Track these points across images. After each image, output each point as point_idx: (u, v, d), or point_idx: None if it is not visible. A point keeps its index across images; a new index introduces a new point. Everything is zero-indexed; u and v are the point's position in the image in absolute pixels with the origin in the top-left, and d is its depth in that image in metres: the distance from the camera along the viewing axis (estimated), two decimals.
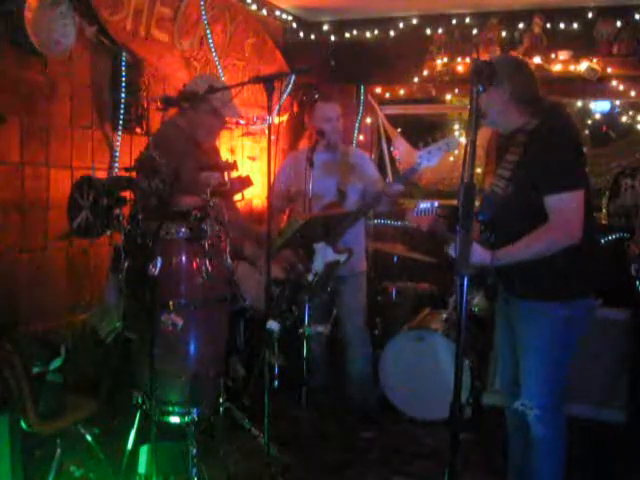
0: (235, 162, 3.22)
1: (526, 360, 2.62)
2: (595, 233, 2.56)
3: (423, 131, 6.15)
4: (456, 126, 6.15)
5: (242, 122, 4.86)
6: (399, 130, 5.85)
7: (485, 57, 5.02)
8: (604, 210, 4.82)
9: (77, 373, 3.28)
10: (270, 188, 2.89)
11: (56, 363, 2.77)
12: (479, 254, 2.42)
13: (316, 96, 5.26)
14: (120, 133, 3.77)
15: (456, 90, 5.41)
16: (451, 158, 5.16)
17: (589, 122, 5.70)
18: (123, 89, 3.71)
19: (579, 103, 5.43)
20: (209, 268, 2.83)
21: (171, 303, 2.77)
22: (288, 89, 5.24)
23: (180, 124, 3.31)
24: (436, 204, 2.85)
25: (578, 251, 2.44)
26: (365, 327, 4.10)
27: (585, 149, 5.63)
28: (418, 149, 5.66)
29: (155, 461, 2.69)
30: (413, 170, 3.54)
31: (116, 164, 3.77)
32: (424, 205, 2.86)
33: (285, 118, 5.50)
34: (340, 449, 3.63)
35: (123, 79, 3.71)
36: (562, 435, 2.62)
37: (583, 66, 4.93)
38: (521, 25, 5.12)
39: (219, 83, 3.54)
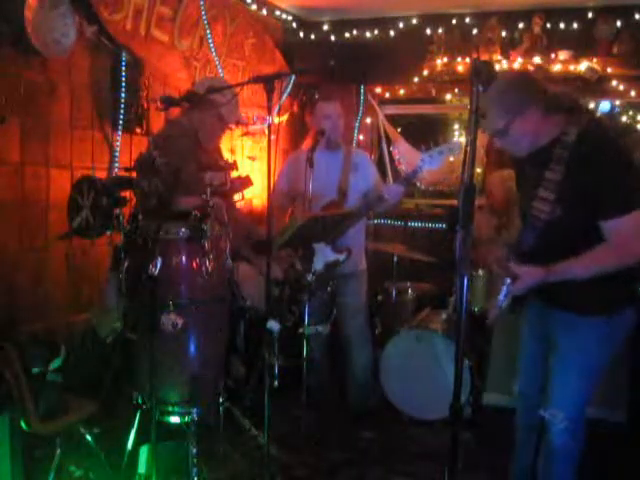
0: (235, 162, 3.22)
1: (563, 372, 2.51)
2: None
3: (423, 131, 6.15)
4: (456, 126, 6.15)
5: (244, 122, 4.86)
6: (399, 130, 5.85)
7: (485, 57, 5.03)
8: None
9: (77, 373, 3.28)
10: (270, 188, 2.89)
11: (56, 363, 2.77)
12: (533, 276, 2.30)
13: (316, 96, 5.27)
14: (120, 133, 3.77)
15: (456, 90, 5.41)
16: (451, 158, 5.14)
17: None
18: (123, 89, 3.71)
19: None
20: (209, 268, 2.83)
21: (171, 303, 2.77)
22: (288, 89, 5.25)
23: (184, 124, 3.32)
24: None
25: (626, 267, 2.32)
26: (366, 326, 4.10)
27: None
28: (418, 149, 5.68)
29: (155, 461, 2.69)
30: (415, 173, 3.55)
31: (116, 164, 3.77)
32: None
33: (285, 118, 5.50)
34: (340, 449, 3.63)
35: (123, 79, 3.71)
36: (582, 444, 2.58)
37: (583, 66, 4.93)
38: (521, 25, 5.12)
39: (223, 85, 3.55)
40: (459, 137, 6.09)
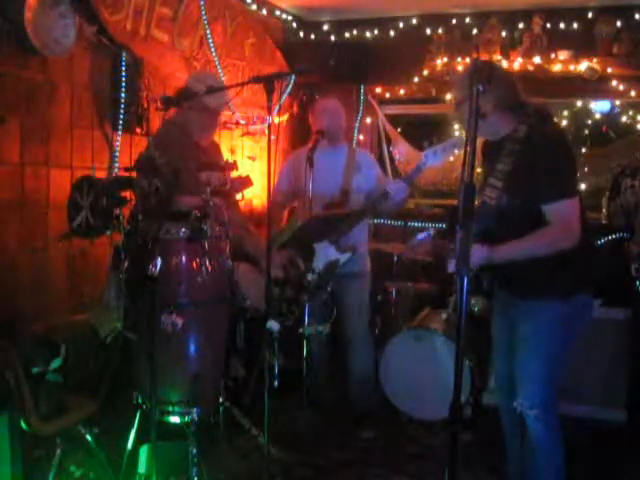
0: (235, 162, 3.22)
1: (525, 359, 2.62)
2: (586, 231, 2.58)
3: (423, 131, 6.15)
4: (456, 126, 6.14)
5: (242, 122, 4.86)
6: (399, 130, 5.85)
7: (485, 57, 5.03)
8: (604, 210, 4.82)
9: (77, 373, 3.28)
10: (270, 188, 2.89)
11: (56, 363, 2.76)
12: (478, 254, 2.41)
13: (317, 96, 5.28)
14: (120, 133, 3.77)
15: None
16: (451, 158, 5.16)
17: (589, 122, 5.70)
18: (123, 89, 3.71)
19: (579, 103, 5.44)
20: (209, 268, 2.83)
21: (171, 303, 2.77)
22: (288, 89, 5.25)
23: (178, 123, 3.32)
24: (431, 232, 2.89)
25: (574, 250, 2.46)
26: (367, 327, 4.10)
27: (585, 149, 5.67)
28: (419, 149, 5.68)
29: (155, 461, 2.69)
30: (418, 169, 3.53)
31: (116, 164, 3.76)
32: (421, 236, 2.90)
33: (285, 118, 5.50)
34: (340, 449, 3.63)
35: (123, 79, 3.70)
36: (559, 431, 2.63)
37: (583, 66, 4.93)
38: (521, 25, 5.12)
39: (215, 81, 3.54)
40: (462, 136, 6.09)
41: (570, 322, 2.59)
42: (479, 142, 2.78)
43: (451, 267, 2.42)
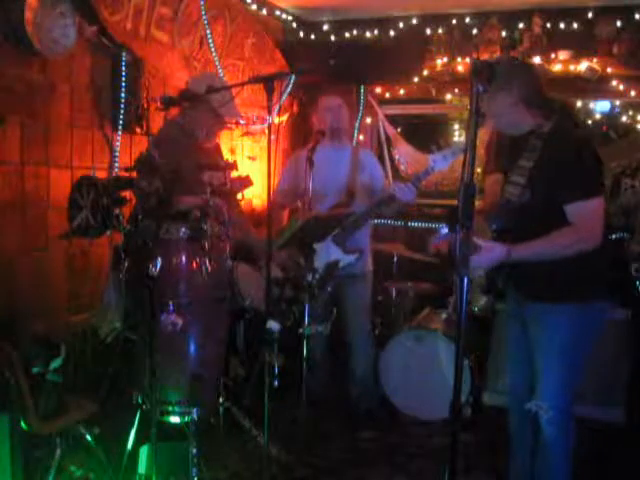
0: (235, 162, 3.22)
1: (543, 362, 2.58)
2: (605, 236, 2.54)
3: (423, 131, 6.15)
4: (456, 126, 6.14)
5: (242, 122, 4.86)
6: (399, 130, 5.86)
7: (485, 57, 5.03)
8: None
9: (77, 373, 3.28)
10: (270, 188, 2.88)
11: (56, 363, 2.76)
12: (495, 253, 2.38)
13: (318, 95, 5.27)
14: (120, 133, 3.77)
15: (456, 90, 5.42)
16: None
17: (589, 122, 5.71)
18: (123, 89, 3.71)
19: (579, 103, 5.43)
20: (209, 268, 2.83)
21: (171, 303, 2.77)
22: (288, 89, 5.25)
23: (181, 124, 3.32)
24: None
25: (593, 253, 2.41)
26: (369, 327, 4.10)
27: None
28: (419, 149, 5.69)
29: (155, 461, 2.69)
30: (426, 172, 3.51)
31: (116, 164, 3.76)
32: (444, 232, 2.87)
33: (285, 118, 5.50)
34: (340, 449, 3.63)
35: (123, 79, 3.71)
36: (572, 436, 2.62)
37: (583, 66, 4.93)
38: (521, 25, 5.12)
39: (218, 82, 3.54)
40: (459, 137, 6.09)
41: (588, 327, 2.55)
42: (484, 134, 2.74)
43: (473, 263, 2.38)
